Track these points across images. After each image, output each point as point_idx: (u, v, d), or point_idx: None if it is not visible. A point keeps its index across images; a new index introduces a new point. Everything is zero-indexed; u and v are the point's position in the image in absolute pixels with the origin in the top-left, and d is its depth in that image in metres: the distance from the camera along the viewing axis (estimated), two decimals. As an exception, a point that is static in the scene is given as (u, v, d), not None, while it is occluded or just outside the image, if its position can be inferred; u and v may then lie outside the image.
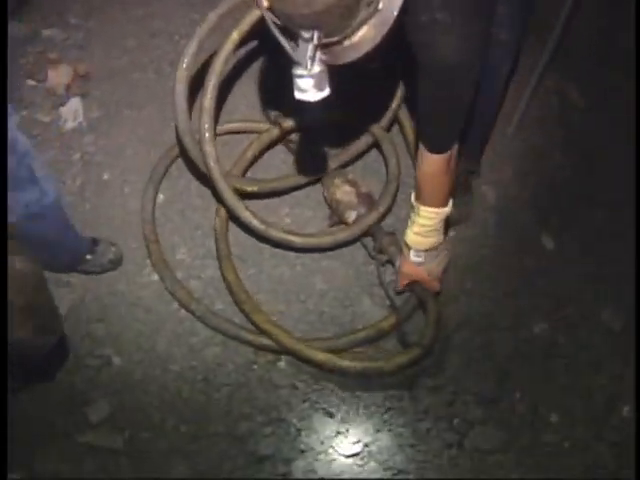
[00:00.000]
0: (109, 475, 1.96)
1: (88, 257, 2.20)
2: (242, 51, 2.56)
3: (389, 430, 2.04)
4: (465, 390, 2.11)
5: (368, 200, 2.27)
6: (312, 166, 2.35)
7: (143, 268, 2.28)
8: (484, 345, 2.19)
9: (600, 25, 2.72)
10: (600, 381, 2.14)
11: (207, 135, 1.99)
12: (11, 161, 1.69)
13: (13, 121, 1.71)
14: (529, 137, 2.58)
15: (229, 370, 2.12)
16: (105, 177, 2.47)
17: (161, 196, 2.43)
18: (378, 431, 2.04)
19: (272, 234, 2.11)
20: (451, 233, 2.33)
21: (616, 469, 1.99)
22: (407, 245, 2.03)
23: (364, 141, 2.37)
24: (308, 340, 2.12)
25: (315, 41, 1.26)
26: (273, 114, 2.46)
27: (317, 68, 1.29)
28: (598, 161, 2.53)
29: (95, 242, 2.22)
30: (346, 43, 1.35)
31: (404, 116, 2.41)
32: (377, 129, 2.34)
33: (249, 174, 2.42)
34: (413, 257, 2.04)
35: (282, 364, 2.14)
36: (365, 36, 1.34)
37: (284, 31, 1.31)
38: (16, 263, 1.67)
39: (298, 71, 1.29)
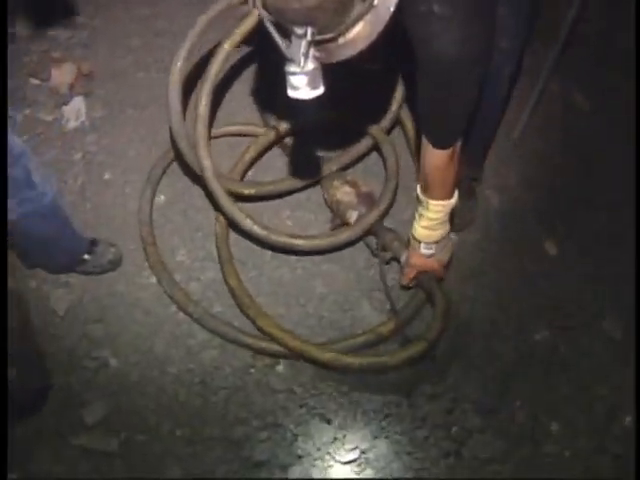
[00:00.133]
0: (103, 477, 1.95)
1: (86, 257, 2.19)
2: (238, 53, 2.55)
3: (386, 437, 2.02)
4: (464, 398, 2.09)
5: (369, 199, 2.26)
6: (310, 169, 2.34)
7: (142, 269, 2.27)
8: (485, 352, 2.17)
9: (602, 27, 2.71)
10: (601, 390, 2.12)
11: (204, 153, 1.99)
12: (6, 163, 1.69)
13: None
14: (533, 142, 2.56)
15: (226, 373, 2.10)
16: (106, 177, 2.47)
17: (162, 196, 2.42)
18: (375, 438, 2.02)
19: (274, 239, 2.09)
20: (454, 237, 2.30)
21: (617, 480, 1.97)
22: (416, 239, 2.01)
23: (364, 144, 2.35)
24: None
25: (308, 37, 1.24)
26: (269, 117, 2.44)
27: (311, 65, 1.27)
28: (606, 165, 2.51)
29: (94, 243, 2.21)
30: (341, 40, 1.33)
31: (405, 115, 2.40)
32: (376, 131, 2.32)
33: (248, 176, 2.41)
34: (424, 250, 2.02)
35: (280, 368, 2.12)
36: (360, 33, 1.32)
37: (278, 28, 1.29)
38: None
39: (291, 68, 1.27)
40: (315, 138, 2.39)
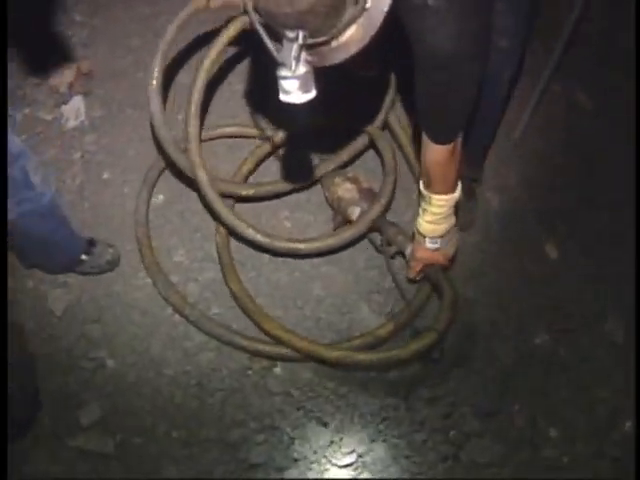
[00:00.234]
0: (99, 478, 1.95)
1: (84, 258, 2.18)
2: (231, 54, 2.55)
3: (384, 441, 2.01)
4: (463, 401, 2.07)
5: (370, 195, 2.24)
6: (306, 169, 2.32)
7: (140, 270, 2.26)
8: (484, 355, 2.15)
9: (603, 26, 2.68)
10: (602, 395, 2.10)
11: (200, 171, 2.00)
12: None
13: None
14: (534, 142, 2.54)
15: (223, 375, 2.09)
16: (105, 176, 2.46)
17: (161, 196, 2.41)
18: (373, 441, 2.01)
19: (278, 245, 2.09)
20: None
21: (616, 487, 1.95)
22: (421, 234, 1.98)
23: (360, 141, 2.33)
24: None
25: (300, 41, 1.22)
26: (261, 119, 2.42)
27: (302, 69, 1.25)
28: (608, 165, 2.49)
29: (92, 243, 2.20)
30: (334, 44, 1.31)
31: (394, 120, 2.38)
32: (371, 128, 2.30)
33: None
34: (429, 244, 1.99)
35: (277, 370, 2.11)
36: (353, 36, 1.30)
37: (269, 31, 1.27)
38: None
39: (282, 72, 1.25)
40: (310, 139, 2.36)
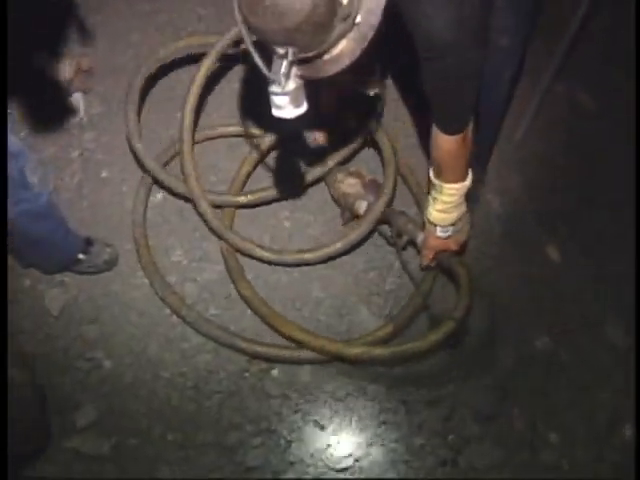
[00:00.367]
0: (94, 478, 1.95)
1: (81, 257, 2.17)
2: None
3: (382, 444, 2.00)
4: (462, 405, 2.06)
5: (374, 186, 2.24)
6: (304, 170, 2.32)
7: (138, 270, 2.24)
8: (484, 359, 2.14)
9: (606, 25, 2.64)
10: (602, 399, 2.09)
11: (203, 203, 2.10)
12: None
13: None
14: (535, 143, 2.51)
15: (220, 378, 2.08)
16: (104, 175, 2.44)
17: (159, 195, 2.39)
18: (370, 445, 2.00)
19: (287, 259, 2.14)
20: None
21: (615, 491, 1.94)
22: (432, 223, 1.97)
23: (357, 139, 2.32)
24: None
25: (290, 57, 1.25)
26: (253, 129, 2.41)
27: (292, 85, 1.28)
28: (609, 166, 2.46)
29: (90, 242, 2.19)
30: (326, 57, 1.33)
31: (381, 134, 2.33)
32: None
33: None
34: (440, 233, 1.99)
35: (275, 372, 2.10)
36: (345, 50, 1.32)
37: (260, 47, 1.28)
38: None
39: (273, 88, 1.29)
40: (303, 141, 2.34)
